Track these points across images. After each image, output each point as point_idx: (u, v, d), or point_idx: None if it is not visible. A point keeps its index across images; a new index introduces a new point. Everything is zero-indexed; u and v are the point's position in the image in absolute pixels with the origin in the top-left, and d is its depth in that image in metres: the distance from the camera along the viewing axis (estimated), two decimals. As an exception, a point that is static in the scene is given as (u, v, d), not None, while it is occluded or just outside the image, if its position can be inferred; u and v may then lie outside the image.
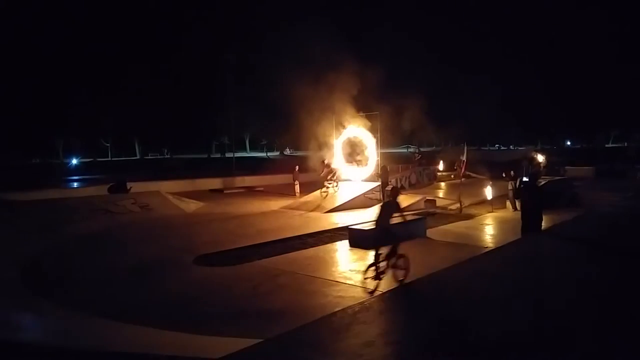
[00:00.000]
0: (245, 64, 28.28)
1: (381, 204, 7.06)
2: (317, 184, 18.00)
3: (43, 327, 5.35)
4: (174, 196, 15.78)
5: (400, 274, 6.36)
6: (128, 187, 15.57)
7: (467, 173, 16.66)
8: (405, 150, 57.80)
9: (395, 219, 6.79)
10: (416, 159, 27.01)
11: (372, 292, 6.00)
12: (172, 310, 5.92)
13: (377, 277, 6.19)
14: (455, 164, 15.10)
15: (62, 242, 10.09)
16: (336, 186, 16.19)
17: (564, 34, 48.97)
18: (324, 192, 15.91)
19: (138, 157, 52.18)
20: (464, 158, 15.15)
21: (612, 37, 46.96)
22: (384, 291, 5.62)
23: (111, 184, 15.72)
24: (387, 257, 6.32)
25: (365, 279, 6.24)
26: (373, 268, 6.20)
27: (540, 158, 23.52)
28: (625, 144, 58.75)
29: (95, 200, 13.43)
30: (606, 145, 59.10)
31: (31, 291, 6.78)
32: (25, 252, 8.91)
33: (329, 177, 16.23)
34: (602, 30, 47.26)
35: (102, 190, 15.65)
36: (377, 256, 6.28)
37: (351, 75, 17.41)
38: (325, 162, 16.59)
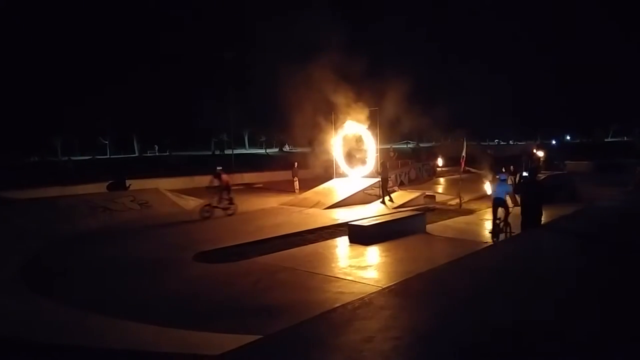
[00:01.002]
0: (244, 61, 28.21)
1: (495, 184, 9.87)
2: (317, 181, 17.99)
3: (42, 324, 5.34)
4: (172, 193, 15.76)
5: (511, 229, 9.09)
6: (127, 185, 15.55)
7: (467, 168, 16.62)
8: (404, 146, 57.76)
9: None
10: (393, 157, 26.17)
11: (495, 240, 8.88)
12: (172, 307, 5.91)
13: (497, 234, 9.06)
14: (488, 160, 14.92)
15: (61, 239, 10.08)
16: (230, 208, 12.96)
17: (565, 28, 48.83)
18: (206, 212, 12.38)
19: (137, 154, 52.10)
20: (464, 153, 15.14)
21: (612, 31, 46.82)
22: (384, 287, 5.61)
23: (110, 181, 15.70)
24: (504, 220, 9.05)
25: (490, 233, 9.23)
26: (493, 228, 9.21)
27: (540, 153, 23.48)
28: (625, 138, 58.78)
29: (94, 198, 13.40)
30: (605, 140, 59.08)
31: (30, 288, 6.77)
32: (24, 250, 8.90)
33: (223, 193, 12.94)
34: (603, 25, 47.13)
35: (101, 187, 15.62)
36: (495, 219, 9.11)
37: (350, 71, 17.37)
38: (223, 175, 13.26)
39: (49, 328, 5.21)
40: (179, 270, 7.62)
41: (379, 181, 15.78)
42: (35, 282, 7.09)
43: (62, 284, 7.06)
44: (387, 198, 14.90)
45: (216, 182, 13.09)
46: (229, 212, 13.10)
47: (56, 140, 44.72)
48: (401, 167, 22.38)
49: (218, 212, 12.85)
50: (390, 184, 16.15)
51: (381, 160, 16.43)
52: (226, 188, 13.09)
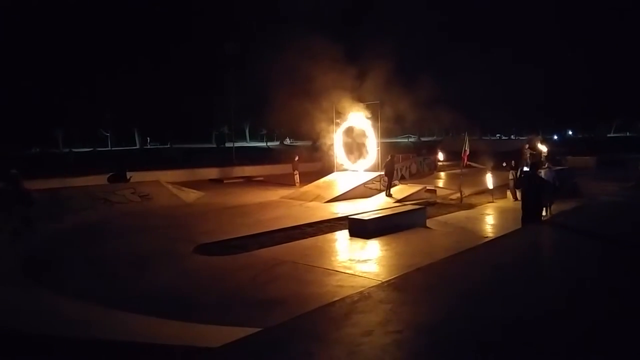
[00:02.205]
0: (244, 53, 28.06)
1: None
2: (318, 174, 17.97)
3: (41, 315, 5.35)
4: (173, 186, 15.76)
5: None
6: (128, 177, 15.54)
7: (469, 163, 16.56)
8: (405, 140, 57.63)
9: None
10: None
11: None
12: (171, 298, 5.92)
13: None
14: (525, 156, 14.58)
15: (62, 231, 10.09)
16: (26, 227, 8.45)
17: (567, 23, 48.40)
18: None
19: (138, 146, 52.07)
20: (466, 148, 15.09)
21: (613, 25, 46.42)
22: (383, 281, 5.61)
23: (111, 173, 15.69)
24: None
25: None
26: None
27: (543, 148, 23.34)
28: (628, 134, 58.60)
29: (95, 190, 13.40)
30: (608, 135, 58.90)
31: (31, 280, 6.79)
32: (25, 241, 8.91)
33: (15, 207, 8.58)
34: (604, 18, 46.74)
35: (101, 179, 15.61)
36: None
37: (351, 64, 17.27)
38: (19, 181, 9.29)
39: (48, 319, 5.22)
40: (178, 263, 7.64)
41: (379, 175, 15.79)
42: (34, 273, 7.11)
43: (62, 275, 7.08)
44: (392, 191, 14.93)
45: (9, 188, 8.75)
46: (24, 232, 8.52)
47: (57, 131, 44.67)
48: (402, 161, 22.35)
49: (216, 200, 12.75)
50: (392, 178, 16.15)
51: (390, 154, 16.37)
52: (23, 199, 8.74)
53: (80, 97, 35.73)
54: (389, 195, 14.85)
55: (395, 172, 16.59)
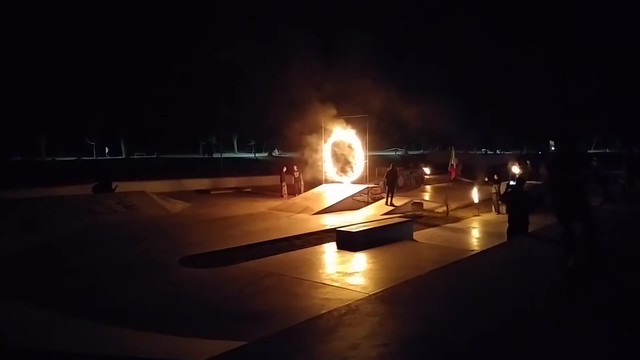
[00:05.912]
0: (234, 62, 28.14)
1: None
2: (306, 186, 17.94)
3: (19, 328, 5.20)
4: (159, 196, 15.59)
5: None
6: (113, 187, 15.34)
7: (458, 178, 16.74)
8: (392, 153, 58.16)
9: None
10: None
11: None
12: (156, 311, 5.82)
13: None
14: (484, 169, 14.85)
15: (44, 241, 9.87)
16: None
17: (548, 35, 49.69)
18: None
19: (124, 156, 51.48)
20: (452, 162, 15.28)
21: (598, 41, 47.80)
22: (370, 293, 5.61)
23: (95, 183, 15.47)
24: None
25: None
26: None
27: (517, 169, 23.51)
28: (607, 150, 60.21)
29: (79, 200, 13.18)
30: (588, 152, 60.38)
31: (8, 291, 6.60)
32: (5, 251, 8.69)
33: None
34: (589, 35, 48.17)
35: (86, 189, 15.37)
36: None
37: (338, 78, 17.48)
38: None
39: (27, 332, 5.08)
40: (164, 275, 7.52)
41: (367, 187, 15.88)
42: (13, 284, 6.92)
43: (43, 287, 6.91)
44: (389, 201, 14.97)
45: None
46: None
47: (40, 139, 43.90)
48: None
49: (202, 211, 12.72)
50: (378, 190, 16.24)
51: (392, 163, 16.49)
52: None
53: (66, 103, 35.27)
54: (391, 204, 14.85)
55: (382, 184, 16.62)
